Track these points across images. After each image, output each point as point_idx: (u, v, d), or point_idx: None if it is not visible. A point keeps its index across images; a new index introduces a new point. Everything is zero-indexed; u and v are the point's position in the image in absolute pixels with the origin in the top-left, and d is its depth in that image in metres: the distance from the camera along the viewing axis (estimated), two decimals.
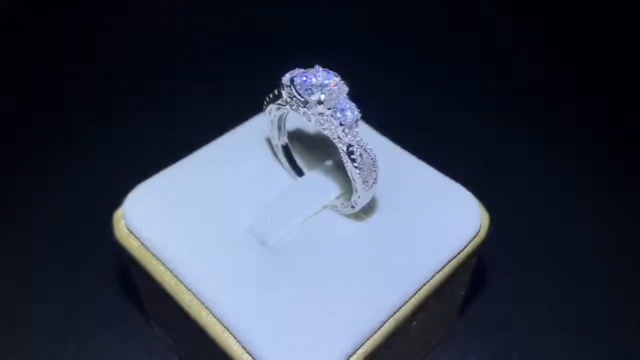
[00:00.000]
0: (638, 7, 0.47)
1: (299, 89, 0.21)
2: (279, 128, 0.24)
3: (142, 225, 0.23)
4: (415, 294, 0.22)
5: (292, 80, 0.21)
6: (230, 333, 0.21)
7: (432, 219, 0.24)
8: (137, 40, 0.47)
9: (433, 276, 0.23)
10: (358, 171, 0.21)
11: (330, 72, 0.21)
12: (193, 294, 0.22)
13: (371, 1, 0.50)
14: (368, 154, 0.21)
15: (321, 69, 0.21)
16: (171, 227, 0.23)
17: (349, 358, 0.20)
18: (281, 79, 0.21)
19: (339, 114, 0.21)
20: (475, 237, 0.24)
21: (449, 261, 0.23)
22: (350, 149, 0.21)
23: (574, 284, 0.31)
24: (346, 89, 0.21)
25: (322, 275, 0.22)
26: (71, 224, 0.33)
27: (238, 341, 0.21)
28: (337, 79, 0.21)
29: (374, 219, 0.24)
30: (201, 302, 0.21)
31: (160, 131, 0.39)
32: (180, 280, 0.22)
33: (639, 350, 0.29)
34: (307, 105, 0.21)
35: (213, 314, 0.21)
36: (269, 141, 0.26)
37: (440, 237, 0.23)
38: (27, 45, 0.46)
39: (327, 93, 0.21)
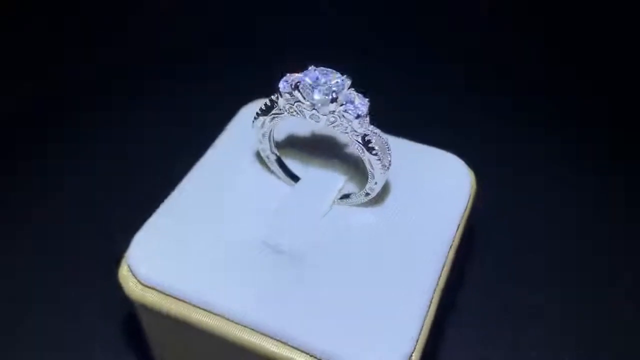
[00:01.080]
0: (638, 7, 0.47)
1: (306, 92, 0.21)
2: (270, 139, 0.24)
3: (158, 276, 0.22)
4: (444, 264, 0.23)
5: (295, 86, 0.21)
6: (306, 353, 0.20)
7: (432, 189, 0.25)
8: (137, 40, 0.47)
9: (453, 239, 0.23)
10: (377, 157, 0.21)
11: (327, 69, 0.21)
12: (248, 327, 0.21)
13: (371, 2, 0.50)
14: (381, 138, 0.22)
15: (317, 68, 0.21)
16: (191, 267, 0.22)
17: (417, 341, 0.21)
18: (278, 87, 0.21)
19: (351, 107, 0.21)
20: (471, 194, 0.25)
21: (459, 223, 0.24)
22: (366, 138, 0.21)
23: (574, 286, 0.31)
24: (349, 82, 0.21)
25: (357, 271, 0.22)
26: (71, 224, 0.33)
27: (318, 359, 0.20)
28: (338, 74, 0.21)
29: (380, 204, 0.24)
30: (262, 333, 0.21)
31: (160, 131, 0.39)
32: (227, 318, 0.21)
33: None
34: (315, 107, 0.21)
35: (282, 341, 0.20)
36: (257, 155, 0.25)
37: (443, 203, 0.24)
38: (27, 45, 0.46)
39: (338, 89, 0.21)
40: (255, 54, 0.45)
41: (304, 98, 0.21)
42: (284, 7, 0.49)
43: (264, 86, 0.29)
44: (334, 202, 0.24)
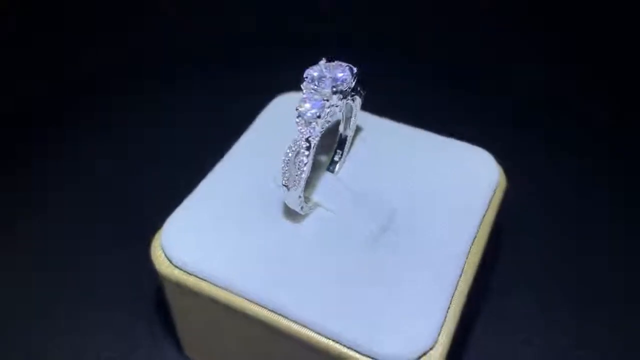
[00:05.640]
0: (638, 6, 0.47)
1: (324, 86, 0.21)
2: None
3: (190, 256, 0.22)
4: (475, 236, 0.23)
5: (336, 91, 0.21)
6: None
7: (457, 182, 0.24)
8: (137, 40, 0.47)
9: (474, 237, 0.23)
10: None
11: (311, 69, 0.21)
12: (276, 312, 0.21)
13: (371, 2, 0.50)
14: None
15: (312, 77, 0.21)
16: (222, 252, 0.22)
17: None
18: (314, 116, 0.21)
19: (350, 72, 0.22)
20: (497, 190, 0.25)
21: (481, 219, 0.24)
22: (358, 88, 0.22)
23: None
24: (323, 60, 0.21)
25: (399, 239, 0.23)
26: (71, 224, 0.34)
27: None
28: (320, 64, 0.21)
29: (403, 187, 0.24)
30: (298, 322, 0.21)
31: (160, 131, 0.39)
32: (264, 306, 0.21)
33: None
34: (346, 96, 0.21)
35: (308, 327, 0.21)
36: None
37: (467, 197, 0.24)
38: (28, 45, 0.46)
39: (346, 66, 0.21)
40: (256, 53, 0.45)
41: (349, 91, 0.21)
42: (285, 7, 0.49)
43: (261, 88, 0.29)
44: (335, 173, 0.24)
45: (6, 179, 0.36)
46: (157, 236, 0.23)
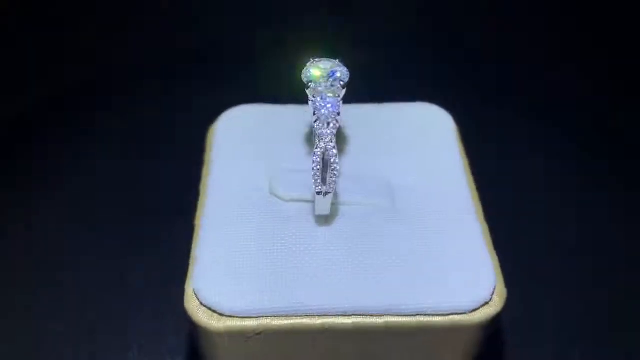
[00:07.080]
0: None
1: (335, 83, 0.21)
2: None
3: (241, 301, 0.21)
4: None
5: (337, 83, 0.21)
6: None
7: (424, 137, 0.27)
8: (137, 40, 0.47)
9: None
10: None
11: (310, 70, 0.22)
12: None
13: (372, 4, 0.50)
14: None
15: (307, 73, 0.21)
16: (262, 282, 0.21)
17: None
18: (334, 114, 0.21)
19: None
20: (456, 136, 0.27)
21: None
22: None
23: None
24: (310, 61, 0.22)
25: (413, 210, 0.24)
26: (71, 224, 0.33)
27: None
28: (310, 63, 0.22)
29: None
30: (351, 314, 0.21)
31: (160, 131, 0.39)
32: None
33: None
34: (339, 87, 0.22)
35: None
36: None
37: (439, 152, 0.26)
38: (27, 45, 0.46)
39: (341, 61, 0.22)
40: (255, 56, 0.45)
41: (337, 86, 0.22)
42: (284, 7, 0.49)
43: (258, 87, 0.29)
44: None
45: (6, 179, 0.36)
46: (187, 295, 0.21)
